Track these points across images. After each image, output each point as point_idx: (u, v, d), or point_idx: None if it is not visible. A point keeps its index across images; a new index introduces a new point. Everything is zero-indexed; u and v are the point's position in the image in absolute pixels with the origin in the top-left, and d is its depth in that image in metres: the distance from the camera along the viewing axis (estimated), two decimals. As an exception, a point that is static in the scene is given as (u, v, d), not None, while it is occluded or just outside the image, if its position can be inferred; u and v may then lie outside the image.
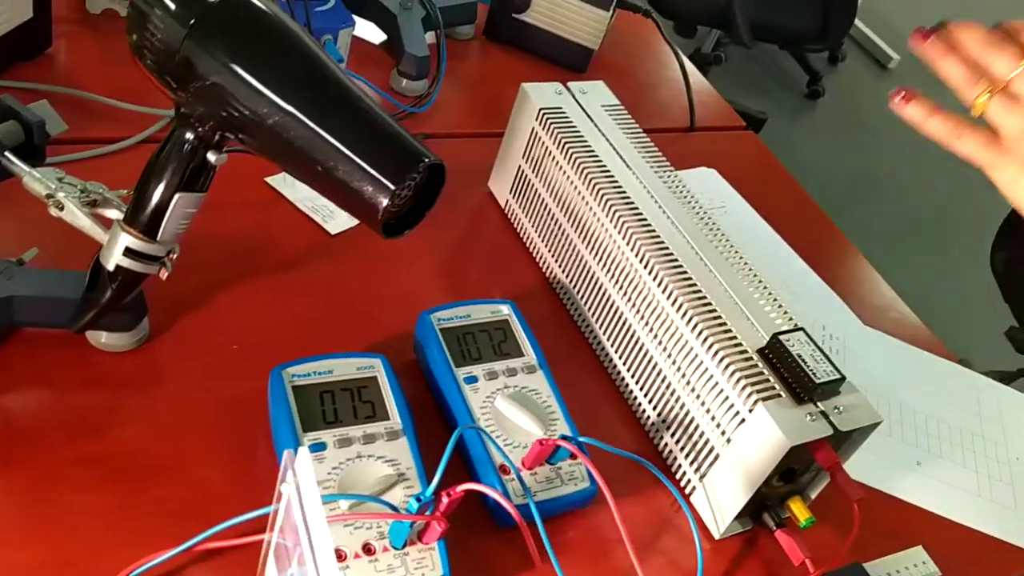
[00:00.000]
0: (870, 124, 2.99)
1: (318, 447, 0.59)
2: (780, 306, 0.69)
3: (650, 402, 0.71)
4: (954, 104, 0.56)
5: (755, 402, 0.62)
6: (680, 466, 0.69)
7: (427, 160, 0.48)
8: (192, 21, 0.48)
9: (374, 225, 0.49)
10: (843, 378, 0.63)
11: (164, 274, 0.57)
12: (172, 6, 0.48)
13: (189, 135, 0.52)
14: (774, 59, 3.14)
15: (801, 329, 0.66)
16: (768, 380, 0.63)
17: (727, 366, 0.64)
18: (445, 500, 0.55)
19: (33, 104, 0.57)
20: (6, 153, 0.55)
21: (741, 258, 0.72)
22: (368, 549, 0.55)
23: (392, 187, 0.47)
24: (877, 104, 3.13)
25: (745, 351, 0.65)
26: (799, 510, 0.65)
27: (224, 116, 0.50)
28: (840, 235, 1.03)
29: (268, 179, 0.82)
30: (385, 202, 0.47)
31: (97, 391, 0.61)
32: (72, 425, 0.59)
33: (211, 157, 0.53)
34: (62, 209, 0.55)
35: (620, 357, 0.74)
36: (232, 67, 0.47)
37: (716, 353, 0.65)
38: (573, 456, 0.63)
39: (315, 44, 0.50)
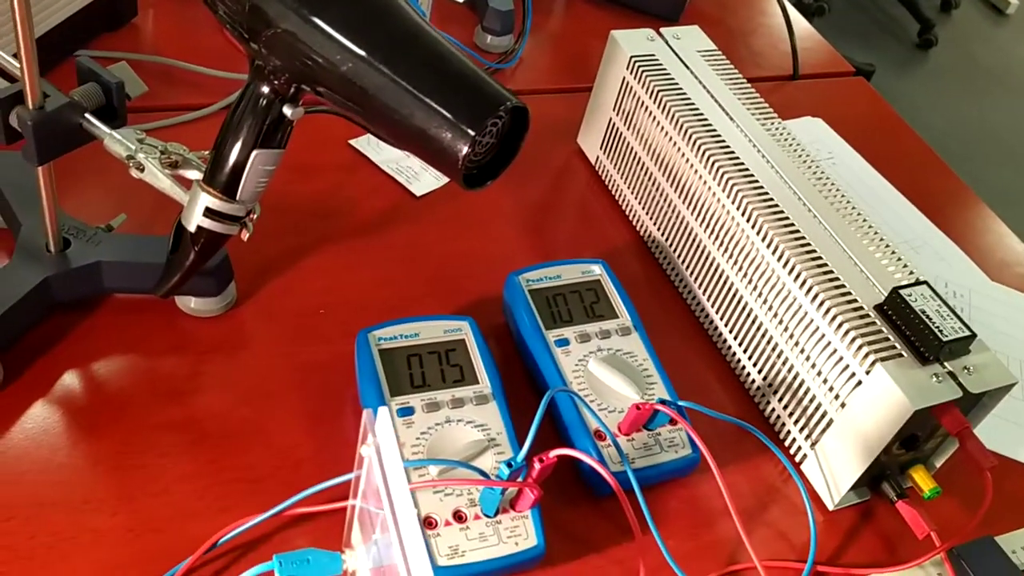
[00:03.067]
0: (988, 74, 2.80)
1: (406, 411, 0.57)
2: (899, 259, 0.63)
3: (755, 365, 0.67)
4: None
5: (873, 362, 0.56)
6: (789, 432, 0.64)
7: (509, 103, 0.45)
8: (262, -34, 0.46)
9: (454, 175, 0.46)
10: (974, 335, 0.57)
11: (245, 235, 0.56)
12: (243, -48, 0.46)
13: (264, 88, 0.50)
14: (881, 7, 2.97)
15: (924, 283, 0.60)
16: (888, 339, 0.58)
17: (840, 324, 0.59)
18: (538, 466, 0.52)
19: (112, 66, 0.56)
20: (87, 115, 0.54)
21: (854, 208, 0.66)
22: (459, 516, 0.53)
23: (472, 133, 0.44)
24: (995, 53, 2.93)
25: (861, 308, 0.59)
26: (923, 480, 0.60)
27: (297, 66, 0.47)
28: (962, 185, 0.95)
29: (352, 141, 0.80)
30: (465, 149, 0.44)
31: (184, 356, 0.61)
32: (158, 390, 0.59)
33: (287, 111, 0.51)
34: (142, 170, 0.54)
35: (721, 318, 0.70)
36: (301, 11, 0.45)
37: (828, 311, 0.59)
38: (673, 421, 0.59)
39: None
